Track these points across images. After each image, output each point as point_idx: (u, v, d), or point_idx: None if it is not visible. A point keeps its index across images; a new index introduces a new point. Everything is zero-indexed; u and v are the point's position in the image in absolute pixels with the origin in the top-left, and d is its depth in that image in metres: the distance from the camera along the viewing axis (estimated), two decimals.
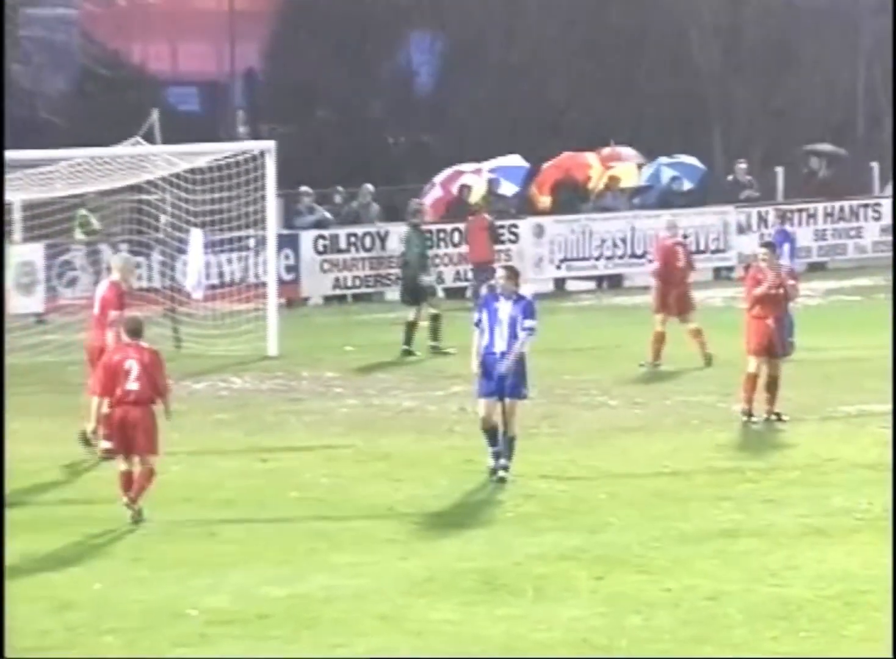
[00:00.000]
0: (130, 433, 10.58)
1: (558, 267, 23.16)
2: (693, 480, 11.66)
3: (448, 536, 10.28)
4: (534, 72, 29.58)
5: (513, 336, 11.53)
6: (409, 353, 17.48)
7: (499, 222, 22.08)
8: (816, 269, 24.32)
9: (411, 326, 17.56)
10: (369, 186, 22.65)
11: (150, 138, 17.90)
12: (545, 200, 23.78)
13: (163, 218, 18.72)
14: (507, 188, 23.41)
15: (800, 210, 24.38)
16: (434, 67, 30.65)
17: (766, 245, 14.33)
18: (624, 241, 23.22)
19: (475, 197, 22.86)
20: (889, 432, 12.58)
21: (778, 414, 13.61)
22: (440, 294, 21.75)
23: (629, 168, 24.57)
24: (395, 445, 12.93)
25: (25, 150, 17.37)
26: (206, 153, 18.06)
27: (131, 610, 8.75)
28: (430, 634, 8.34)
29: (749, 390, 13.50)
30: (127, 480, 10.67)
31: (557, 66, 29.61)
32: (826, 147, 26.63)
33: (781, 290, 13.70)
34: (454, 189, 23.04)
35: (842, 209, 24.68)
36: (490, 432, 11.62)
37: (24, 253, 19.34)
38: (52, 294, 19.65)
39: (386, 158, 28.10)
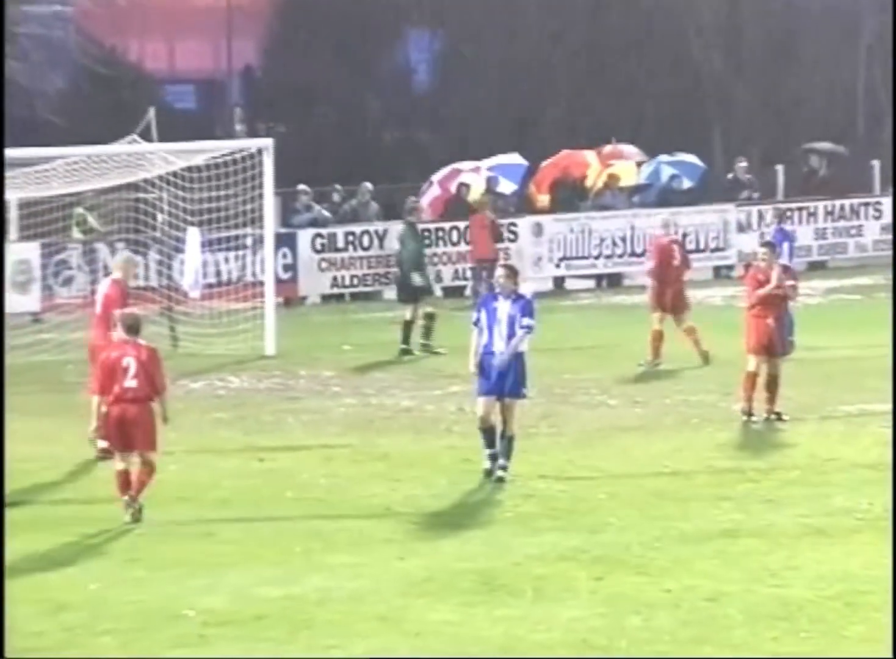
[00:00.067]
0: (129, 431, 10.54)
1: (557, 266, 23.10)
2: (693, 480, 11.63)
3: (446, 536, 10.25)
4: (533, 70, 29.52)
5: (512, 335, 11.49)
6: (407, 352, 17.44)
7: (498, 221, 22.02)
8: (817, 267, 24.24)
9: (408, 326, 17.52)
10: (368, 185, 22.60)
11: (146, 136, 17.84)
12: (543, 199, 23.73)
13: (160, 216, 18.67)
14: (506, 186, 23.35)
15: (800, 208, 24.31)
16: (432, 65, 30.60)
17: (766, 245, 14.28)
18: (623, 239, 23.16)
19: (474, 195, 22.83)
20: (890, 432, 12.53)
21: (778, 413, 13.57)
22: (438, 293, 21.77)
23: (628, 166, 24.52)
24: (393, 444, 12.89)
25: (22, 148, 17.30)
26: (203, 151, 18.01)
27: (127, 611, 8.72)
28: (428, 634, 8.32)
29: (748, 389, 13.46)
30: (124, 479, 10.63)
31: (557, 64, 29.56)
32: (826, 145, 26.58)
33: (781, 290, 13.63)
34: (452, 187, 23.00)
35: (842, 208, 24.61)
36: (488, 432, 11.57)
37: (20, 252, 19.28)
38: (49, 293, 19.60)
39: (384, 157, 28.06)
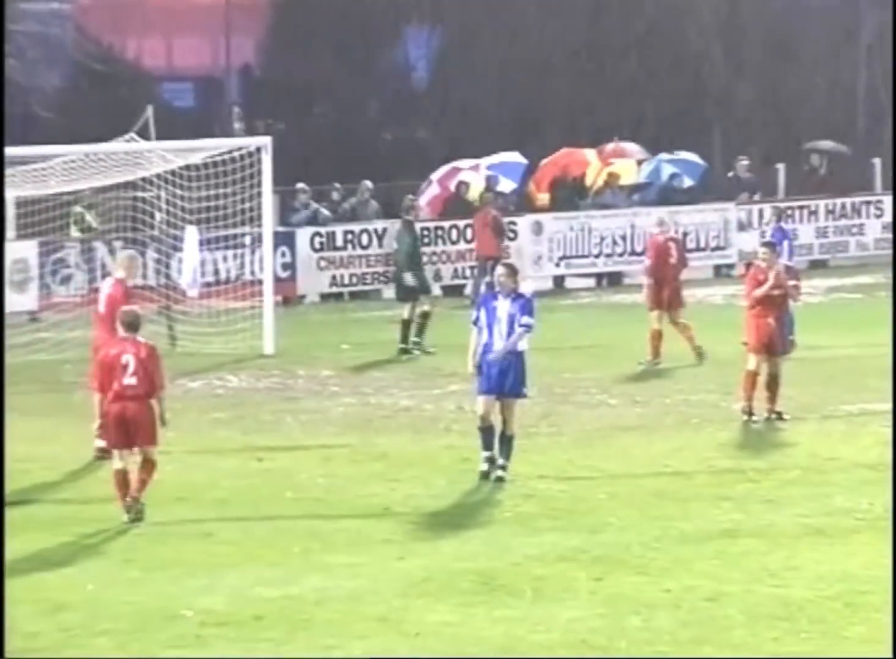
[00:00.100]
0: (130, 428, 10.52)
1: (557, 264, 23.04)
2: (693, 480, 11.60)
3: (446, 536, 10.22)
4: (533, 68, 29.47)
5: (512, 334, 11.44)
6: (405, 351, 17.40)
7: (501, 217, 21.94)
8: (818, 266, 24.16)
9: (407, 325, 17.49)
10: (368, 183, 22.55)
11: (144, 135, 17.80)
12: (543, 198, 23.67)
13: (158, 215, 18.62)
14: (506, 185, 23.30)
15: (801, 207, 24.24)
16: (431, 62, 30.55)
17: (766, 244, 14.22)
18: (623, 238, 23.09)
19: (473, 194, 22.78)
20: (890, 432, 12.49)
21: (779, 413, 13.54)
22: (437, 291, 21.72)
23: (628, 165, 24.46)
24: (391, 444, 12.86)
25: (19, 146, 17.25)
26: (201, 150, 17.95)
27: (125, 611, 8.70)
28: (427, 635, 8.30)
29: (748, 388, 13.43)
30: (122, 478, 10.59)
31: (557, 62, 29.51)
32: (827, 144, 26.51)
33: (781, 290, 13.59)
34: (452, 186, 22.95)
35: (843, 206, 24.53)
36: (487, 432, 11.53)
37: (18, 250, 19.23)
38: (46, 292, 19.54)
39: (384, 155, 28.01)
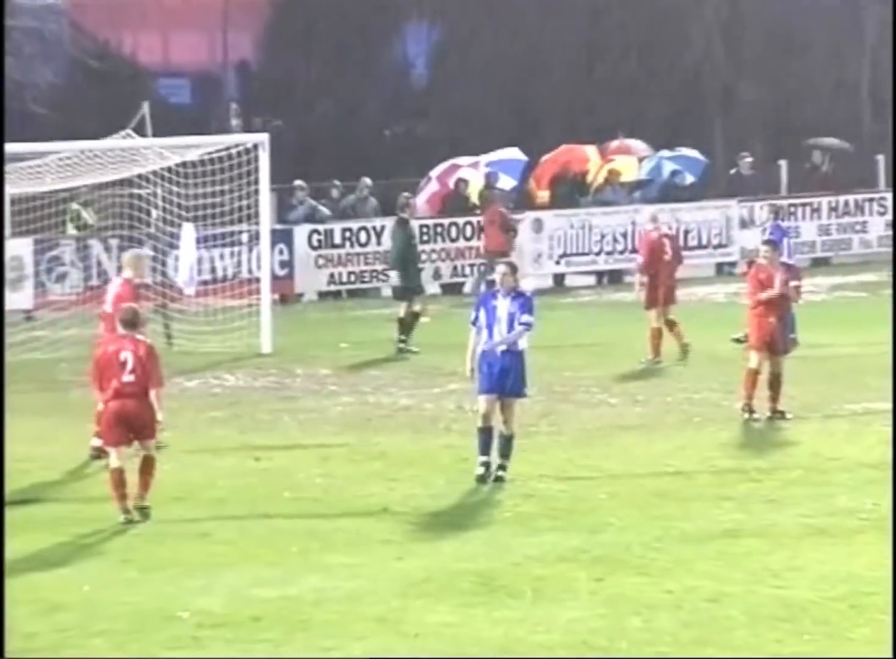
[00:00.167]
0: (130, 425, 10.48)
1: (557, 262, 22.94)
2: (695, 480, 11.54)
3: (445, 536, 10.16)
4: (534, 64, 29.38)
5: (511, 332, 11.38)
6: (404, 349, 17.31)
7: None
8: (820, 264, 24.04)
9: (402, 323, 17.39)
10: (367, 180, 22.47)
11: (140, 131, 17.73)
12: (543, 195, 23.59)
13: (154, 212, 18.55)
14: (506, 182, 23.22)
15: (804, 204, 24.14)
16: (430, 59, 30.46)
17: (767, 242, 14.14)
18: (624, 235, 22.99)
19: (472, 191, 22.70)
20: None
21: (781, 412, 13.47)
22: (436, 290, 21.63)
23: (629, 162, 24.36)
24: (390, 443, 12.79)
25: (14, 143, 17.15)
26: (198, 146, 17.87)
27: (122, 612, 8.66)
28: (426, 636, 8.25)
29: (749, 387, 13.37)
30: (119, 478, 10.54)
31: (557, 59, 29.42)
32: (829, 141, 26.42)
33: (784, 289, 13.49)
34: (451, 183, 22.86)
35: (846, 203, 24.43)
36: (486, 434, 11.45)
37: (13, 248, 19.13)
38: (42, 290, 19.47)
39: (382, 152, 27.93)
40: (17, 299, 19.11)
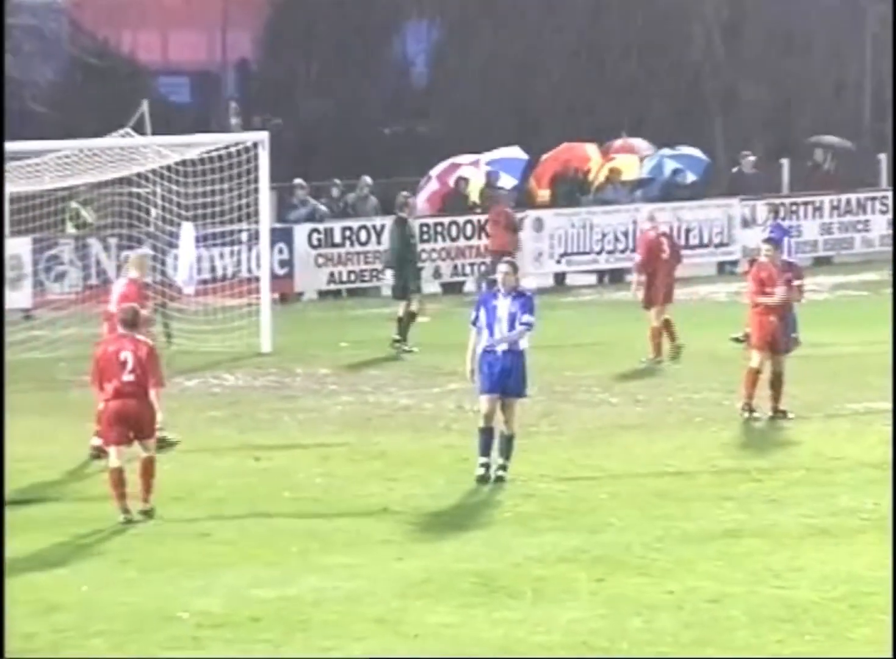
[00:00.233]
0: (130, 424, 10.47)
1: (558, 261, 22.87)
2: (696, 480, 11.51)
3: (445, 536, 10.13)
4: (534, 63, 29.32)
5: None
6: (404, 349, 17.26)
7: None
8: (822, 263, 23.93)
9: (402, 322, 17.34)
10: (367, 179, 22.41)
11: (140, 130, 17.69)
12: (544, 194, 23.52)
13: (153, 211, 18.50)
14: (506, 181, 23.16)
15: (806, 203, 24.03)
16: (430, 57, 30.40)
17: (768, 241, 14.08)
18: (625, 234, 22.91)
19: (472, 189, 22.64)
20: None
21: (783, 411, 13.42)
22: (437, 289, 21.57)
23: (630, 160, 24.28)
24: (390, 443, 12.76)
25: (12, 141, 17.10)
26: (197, 145, 17.81)
27: (120, 612, 8.64)
28: (426, 637, 8.23)
29: (749, 386, 13.33)
30: (118, 477, 10.51)
31: (558, 57, 29.36)
32: (831, 139, 26.31)
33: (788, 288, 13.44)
34: (451, 182, 22.81)
35: (848, 202, 24.31)
36: (486, 434, 11.40)
37: (11, 247, 19.06)
38: (40, 289, 19.40)
39: (383, 150, 27.87)
40: (16, 298, 19.05)
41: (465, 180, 22.64)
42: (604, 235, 22.89)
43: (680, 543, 9.82)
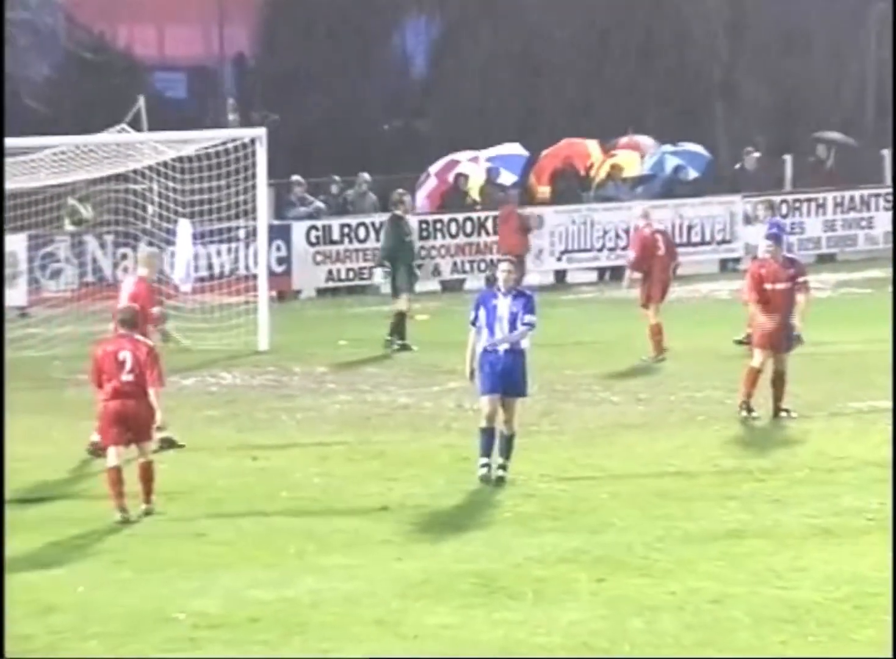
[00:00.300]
0: (129, 425, 10.43)
1: (559, 259, 22.77)
2: (698, 480, 11.44)
3: (444, 537, 10.07)
4: (534, 58, 29.23)
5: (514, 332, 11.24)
6: (404, 347, 17.18)
7: (496, 213, 21.75)
8: (826, 260, 23.78)
9: (403, 320, 17.25)
10: (366, 175, 22.31)
11: (136, 126, 17.62)
12: (544, 191, 23.42)
13: (150, 208, 18.43)
14: (507, 177, 23.06)
15: (809, 200, 23.88)
16: (430, 53, 30.31)
17: (770, 237, 13.96)
18: (627, 231, 22.70)
19: (472, 186, 22.54)
20: None
21: (786, 410, 13.33)
22: (437, 286, 21.48)
23: (631, 157, 24.17)
24: (389, 442, 12.69)
25: (7, 137, 16.99)
26: (194, 141, 17.74)
27: (116, 613, 8.59)
28: (426, 638, 8.18)
29: (749, 385, 13.23)
30: (116, 477, 10.46)
31: (559, 53, 29.27)
32: (834, 135, 26.17)
33: (787, 285, 13.33)
34: (450, 178, 22.71)
35: (852, 199, 24.16)
36: (488, 435, 11.32)
37: (6, 244, 18.94)
38: (36, 286, 19.31)
39: (382, 147, 27.79)
40: (11, 296, 18.93)
41: (465, 177, 22.54)
42: (605, 232, 22.78)
43: (682, 543, 9.76)
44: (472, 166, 22.88)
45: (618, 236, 22.83)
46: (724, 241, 23.51)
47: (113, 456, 10.47)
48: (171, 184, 17.66)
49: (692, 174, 23.89)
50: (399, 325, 17.04)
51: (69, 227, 20.08)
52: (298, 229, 21.37)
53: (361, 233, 21.65)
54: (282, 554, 9.62)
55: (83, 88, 26.62)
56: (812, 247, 23.79)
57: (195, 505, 10.79)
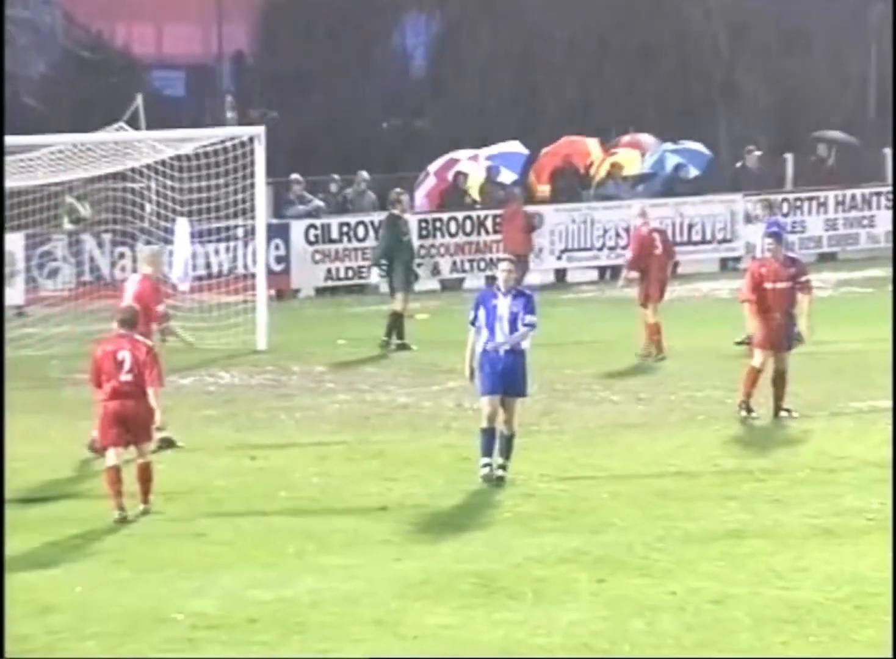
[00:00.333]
0: (129, 425, 10.41)
1: (559, 257, 22.71)
2: (698, 479, 11.41)
3: (444, 537, 10.04)
4: (534, 56, 29.19)
5: (514, 332, 11.18)
6: (403, 346, 17.14)
7: (495, 211, 21.71)
8: (827, 259, 23.71)
9: (400, 319, 17.20)
10: (364, 174, 22.26)
11: (134, 124, 17.58)
12: (544, 189, 23.37)
13: (148, 207, 18.39)
14: (507, 176, 23.01)
15: (810, 198, 23.79)
16: (429, 51, 30.26)
17: (772, 235, 13.91)
18: (627, 230, 22.67)
19: (472, 184, 22.49)
20: None
21: (788, 410, 13.28)
22: (436, 285, 21.44)
23: (632, 155, 24.11)
24: (388, 442, 12.65)
25: (4, 135, 16.93)
26: (192, 139, 17.70)
27: (115, 614, 8.56)
28: (425, 638, 8.15)
29: (749, 385, 13.19)
30: (115, 476, 10.42)
31: (559, 50, 29.22)
32: (835, 134, 26.12)
33: (788, 284, 13.28)
34: (449, 177, 22.66)
35: (853, 198, 24.08)
36: (489, 435, 11.27)
37: (4, 243, 18.92)
38: (33, 286, 19.25)
39: (381, 145, 27.75)
40: (8, 295, 18.86)
41: (464, 175, 22.50)
42: (605, 231, 22.72)
43: (682, 543, 9.73)
44: (472, 165, 22.83)
45: (618, 235, 22.76)
46: (724, 240, 23.42)
47: (112, 456, 10.46)
48: (169, 182, 17.61)
49: (693, 172, 23.80)
50: (394, 325, 17.01)
51: (68, 226, 20.03)
52: (297, 228, 21.31)
53: (360, 232, 21.60)
54: (281, 554, 9.59)
55: (81, 87, 26.61)
56: (813, 246, 23.72)
57: (193, 505, 10.76)
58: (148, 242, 18.02)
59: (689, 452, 12.18)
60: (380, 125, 29.22)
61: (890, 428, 12.61)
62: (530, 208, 22.60)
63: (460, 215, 22.01)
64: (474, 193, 22.61)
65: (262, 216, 17.95)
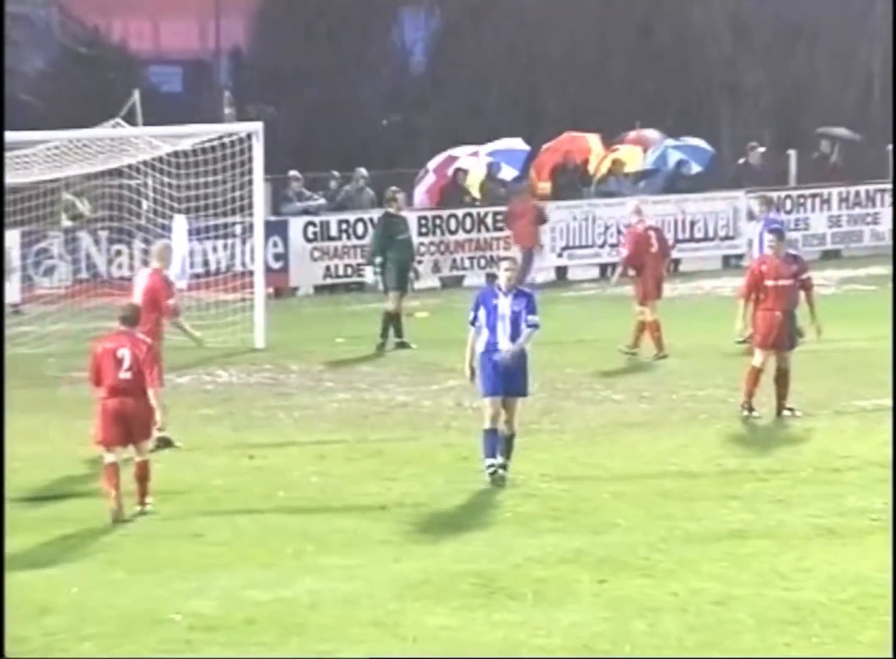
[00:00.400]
0: (128, 424, 10.37)
1: (560, 255, 22.63)
2: (700, 479, 11.35)
3: (444, 537, 9.98)
4: (535, 52, 29.11)
5: (516, 333, 11.11)
6: (402, 345, 17.07)
7: (496, 208, 21.65)
8: (830, 256, 23.62)
9: (398, 318, 17.12)
10: (363, 171, 22.18)
11: (131, 120, 17.51)
12: (545, 186, 23.28)
13: (145, 203, 18.32)
14: (507, 172, 22.92)
15: (814, 195, 23.69)
16: (429, 46, 30.18)
17: (773, 231, 13.81)
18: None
19: (472, 181, 22.41)
20: None
21: (791, 408, 13.21)
22: (436, 283, 21.35)
23: (634, 151, 24.02)
24: (387, 441, 12.59)
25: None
26: (190, 136, 17.61)
27: (111, 615, 8.51)
28: (424, 639, 8.10)
29: (750, 384, 13.11)
30: (113, 473, 10.37)
31: (561, 46, 29.15)
32: (839, 131, 26.03)
33: (790, 281, 13.19)
34: (448, 173, 22.58)
35: (857, 194, 23.99)
36: (491, 436, 11.19)
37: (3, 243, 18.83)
38: (29, 283, 19.18)
39: (380, 142, 27.67)
40: (4, 293, 18.83)
41: (464, 172, 22.42)
42: (606, 228, 22.63)
43: (684, 543, 9.68)
44: (472, 161, 22.75)
45: (619, 232, 22.63)
46: (727, 238, 23.34)
47: (111, 454, 10.40)
48: (166, 179, 17.54)
49: (695, 169, 23.70)
50: (389, 324, 16.93)
51: (66, 223, 19.95)
52: (295, 225, 21.24)
53: (359, 229, 21.51)
54: (279, 554, 9.54)
55: (78, 82, 26.55)
56: (817, 243, 23.63)
57: (191, 504, 10.70)
58: (145, 240, 17.95)
59: (691, 451, 12.12)
60: (379, 122, 29.13)
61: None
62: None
63: (460, 212, 21.92)
64: (474, 191, 22.53)
65: (260, 213, 17.87)
